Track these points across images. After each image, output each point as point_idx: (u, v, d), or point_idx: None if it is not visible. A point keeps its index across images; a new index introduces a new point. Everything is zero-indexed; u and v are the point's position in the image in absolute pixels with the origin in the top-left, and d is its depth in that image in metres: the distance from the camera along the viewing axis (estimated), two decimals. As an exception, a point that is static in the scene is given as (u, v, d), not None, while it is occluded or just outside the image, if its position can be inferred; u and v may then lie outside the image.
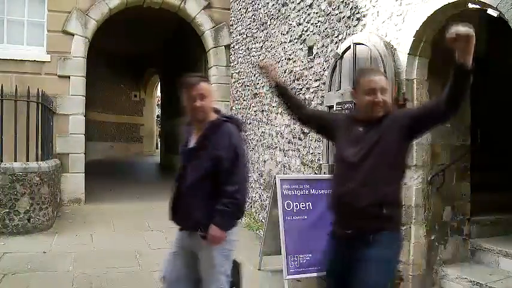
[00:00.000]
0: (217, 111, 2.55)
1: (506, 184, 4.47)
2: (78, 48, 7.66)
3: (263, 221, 5.50)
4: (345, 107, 4.21)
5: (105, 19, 8.05)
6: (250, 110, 7.26)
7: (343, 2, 4.70)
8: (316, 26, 5.27)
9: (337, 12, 4.83)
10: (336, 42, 4.79)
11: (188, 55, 11.32)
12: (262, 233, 5.01)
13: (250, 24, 7.42)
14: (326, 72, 4.86)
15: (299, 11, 5.71)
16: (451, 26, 1.80)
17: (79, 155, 7.67)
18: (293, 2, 5.88)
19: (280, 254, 4.01)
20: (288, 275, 3.88)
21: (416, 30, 3.66)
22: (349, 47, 4.20)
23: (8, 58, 7.26)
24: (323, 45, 5.10)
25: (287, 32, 6.03)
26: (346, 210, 2.18)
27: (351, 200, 2.13)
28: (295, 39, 5.81)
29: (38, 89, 6.21)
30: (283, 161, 6.00)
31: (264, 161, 6.65)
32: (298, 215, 4.09)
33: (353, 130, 2.25)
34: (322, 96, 4.90)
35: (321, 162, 4.83)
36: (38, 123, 6.16)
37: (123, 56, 16.76)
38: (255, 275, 4.38)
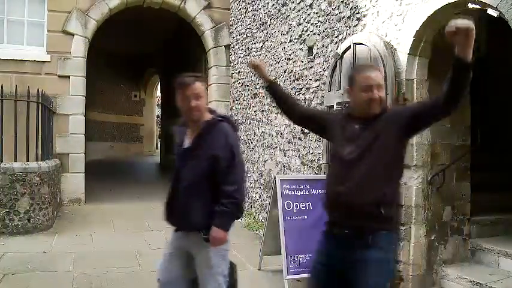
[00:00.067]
0: (211, 111, 2.54)
1: (506, 184, 4.47)
2: (78, 48, 7.66)
3: (263, 221, 5.49)
4: (345, 107, 4.21)
5: (105, 19, 8.05)
6: (250, 110, 7.26)
7: (343, 2, 4.70)
8: (316, 26, 5.27)
9: (337, 12, 4.83)
10: (336, 42, 4.79)
11: (188, 55, 11.32)
12: (262, 233, 5.01)
13: (250, 24, 7.42)
14: (326, 72, 4.86)
15: (299, 11, 5.71)
16: (450, 20, 1.78)
17: (79, 155, 7.67)
18: (293, 2, 5.88)
19: (280, 254, 4.02)
20: (288, 275, 3.88)
21: (417, 30, 3.66)
22: (349, 47, 4.21)
23: (8, 58, 7.25)
24: (323, 45, 5.10)
25: (287, 32, 6.03)
26: (344, 210, 2.12)
27: (349, 199, 2.09)
28: (295, 39, 5.81)
29: (38, 89, 6.21)
30: (283, 161, 6.00)
31: (264, 161, 6.65)
32: (298, 215, 4.09)
33: (349, 128, 2.21)
34: (322, 96, 4.90)
35: (321, 162, 4.83)
36: (38, 123, 6.15)
37: (123, 56, 16.75)
38: (255, 275, 4.38)
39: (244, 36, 7.64)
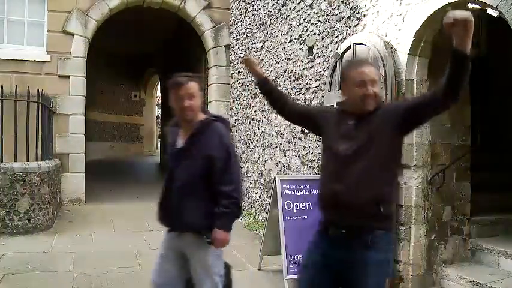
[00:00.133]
0: (204, 111, 2.53)
1: (506, 184, 4.47)
2: (78, 48, 7.66)
3: (263, 221, 5.50)
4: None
5: (105, 19, 8.05)
6: (250, 110, 7.26)
7: (343, 2, 4.70)
8: (316, 26, 5.27)
9: (337, 12, 4.83)
10: (336, 42, 4.79)
11: (188, 55, 11.31)
12: (262, 233, 5.01)
13: (250, 24, 7.42)
14: (326, 72, 4.86)
15: (299, 11, 5.71)
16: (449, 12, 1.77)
17: (79, 155, 7.67)
18: (293, 2, 5.88)
19: (280, 254, 4.02)
20: (288, 275, 3.88)
21: (417, 30, 3.66)
22: (349, 47, 4.21)
23: (8, 58, 7.25)
24: (323, 45, 5.10)
25: (287, 32, 6.03)
26: (342, 209, 2.04)
27: (347, 198, 2.02)
28: (295, 39, 5.81)
29: (38, 89, 6.21)
30: (283, 161, 6.00)
31: (264, 161, 6.65)
32: (298, 215, 4.09)
33: (343, 124, 2.14)
34: (322, 96, 4.90)
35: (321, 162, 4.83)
36: (38, 123, 6.15)
37: (123, 56, 16.75)
38: (255, 275, 4.38)
39: (244, 36, 7.64)
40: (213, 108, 8.42)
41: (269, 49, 6.60)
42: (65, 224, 6.21)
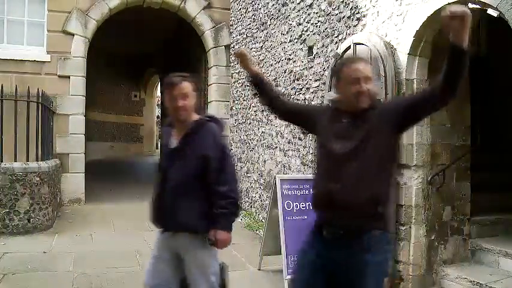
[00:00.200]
0: (198, 111, 2.52)
1: (506, 184, 4.47)
2: (78, 48, 7.66)
3: (263, 221, 5.49)
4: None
5: (105, 19, 8.04)
6: (250, 110, 7.26)
7: (343, 2, 4.70)
8: (316, 26, 5.27)
9: (337, 12, 4.83)
10: (336, 42, 4.79)
11: (188, 55, 11.31)
12: (262, 233, 5.01)
13: (250, 24, 7.42)
14: (326, 72, 4.86)
15: (299, 11, 5.71)
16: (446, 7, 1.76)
17: (79, 155, 7.67)
18: (293, 2, 5.88)
19: (280, 254, 4.02)
20: (288, 275, 3.87)
21: (417, 30, 3.67)
22: (349, 47, 4.20)
23: (8, 58, 7.25)
24: (323, 45, 5.10)
25: (287, 32, 6.03)
26: (339, 209, 1.99)
27: (345, 198, 1.97)
28: (295, 39, 5.81)
29: (38, 89, 6.21)
30: (283, 161, 6.00)
31: (264, 161, 6.65)
32: (298, 215, 4.09)
33: (338, 123, 2.10)
34: (322, 96, 4.90)
35: (321, 162, 4.82)
36: (38, 123, 6.15)
37: (123, 56, 16.74)
38: (255, 275, 4.38)
39: (244, 36, 7.64)
40: (213, 108, 8.42)
41: (269, 49, 6.60)
42: (65, 224, 6.21)
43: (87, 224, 6.30)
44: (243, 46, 7.68)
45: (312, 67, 5.34)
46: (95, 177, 9.16)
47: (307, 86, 5.42)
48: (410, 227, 3.74)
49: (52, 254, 4.80)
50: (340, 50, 4.38)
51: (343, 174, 2.00)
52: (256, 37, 7.10)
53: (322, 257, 2.07)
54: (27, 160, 5.82)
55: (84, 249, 5.02)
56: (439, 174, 3.84)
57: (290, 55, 5.91)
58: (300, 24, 5.69)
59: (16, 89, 5.92)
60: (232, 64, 8.30)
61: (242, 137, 7.63)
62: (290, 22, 5.95)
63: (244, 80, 7.60)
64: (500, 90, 5.32)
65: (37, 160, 5.98)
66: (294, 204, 4.11)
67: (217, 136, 2.44)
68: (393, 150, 2.12)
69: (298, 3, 5.75)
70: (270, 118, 6.49)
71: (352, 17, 4.53)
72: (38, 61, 7.44)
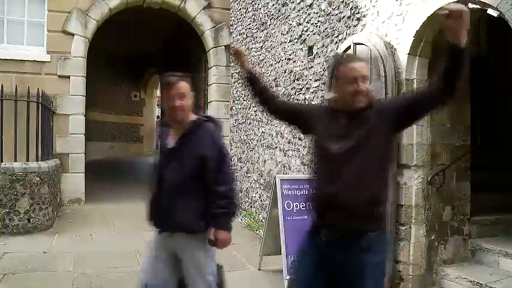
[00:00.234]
0: (195, 111, 2.51)
1: (506, 184, 4.47)
2: (78, 48, 7.66)
3: (263, 221, 5.49)
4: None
5: (105, 19, 8.04)
6: (250, 109, 7.26)
7: (343, 2, 4.70)
8: (316, 26, 5.27)
9: (337, 12, 4.83)
10: (336, 42, 4.79)
11: (188, 55, 11.31)
12: (262, 233, 5.01)
13: (250, 24, 7.42)
14: (326, 72, 4.86)
15: (299, 11, 5.71)
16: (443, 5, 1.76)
17: (79, 155, 7.67)
18: (293, 2, 5.88)
19: (280, 254, 4.02)
20: (288, 275, 3.87)
21: (417, 30, 3.67)
22: (349, 47, 4.21)
23: (8, 58, 7.25)
24: (323, 45, 5.10)
25: (287, 32, 6.03)
26: (339, 211, 1.97)
27: (344, 199, 1.95)
28: (295, 39, 5.81)
29: (38, 89, 6.21)
30: (283, 161, 6.00)
31: (264, 161, 6.65)
32: (298, 215, 4.09)
33: (335, 123, 2.07)
34: (322, 96, 4.90)
35: (321, 162, 4.82)
36: (38, 123, 6.15)
37: (123, 56, 16.74)
38: (255, 275, 4.38)
39: (244, 36, 7.64)
40: (213, 108, 8.42)
41: (269, 49, 6.60)
42: (65, 224, 6.21)
43: (87, 224, 6.30)
44: (243, 46, 7.67)
45: (312, 67, 5.34)
46: (95, 177, 9.16)
47: (307, 86, 5.42)
48: (410, 227, 3.74)
49: (52, 254, 4.80)
50: (340, 50, 4.38)
51: (341, 174, 1.97)
52: (256, 37, 7.10)
53: (321, 258, 2.05)
54: (27, 160, 5.82)
55: (84, 249, 5.02)
56: (439, 174, 3.84)
57: (290, 55, 5.91)
58: (300, 24, 5.69)
59: (16, 89, 5.92)
60: (232, 64, 8.29)
61: (242, 137, 7.63)
62: (290, 22, 5.95)
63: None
64: (500, 90, 5.32)
65: (37, 160, 5.98)
66: (294, 204, 4.11)
67: (214, 136, 2.44)
68: (391, 150, 2.11)
69: (298, 3, 5.75)
70: (270, 118, 6.49)
71: (352, 17, 4.53)
72: (38, 61, 7.43)
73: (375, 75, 3.85)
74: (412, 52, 3.75)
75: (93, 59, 8.91)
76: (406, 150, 3.75)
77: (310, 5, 5.42)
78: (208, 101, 8.71)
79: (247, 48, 7.48)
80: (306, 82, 5.46)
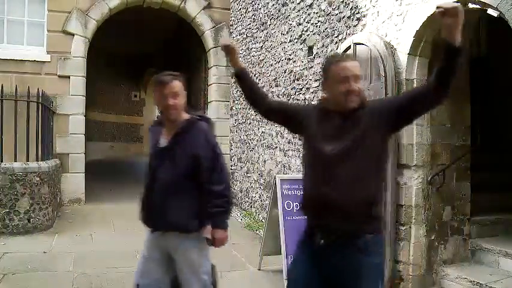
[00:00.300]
0: (188, 110, 2.50)
1: (506, 184, 4.48)
2: (78, 48, 7.66)
3: (263, 221, 5.50)
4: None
5: (105, 19, 8.04)
6: (250, 110, 7.26)
7: (343, 2, 4.70)
8: (316, 26, 5.27)
9: (337, 12, 4.83)
10: (336, 42, 4.79)
11: (188, 55, 11.32)
12: (262, 233, 5.01)
13: (250, 24, 7.42)
14: (326, 72, 4.85)
15: (299, 11, 5.71)
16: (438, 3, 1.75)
17: (79, 155, 7.67)
18: (293, 2, 5.88)
19: (280, 254, 4.02)
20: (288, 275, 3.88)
21: (417, 30, 3.66)
22: (349, 47, 4.20)
23: (8, 58, 7.25)
24: (323, 45, 5.10)
25: (287, 32, 6.03)
26: (334, 211, 1.92)
27: (339, 201, 1.91)
28: (295, 39, 5.81)
29: (38, 89, 6.21)
30: (283, 161, 6.00)
31: (264, 161, 6.65)
32: (298, 214, 4.08)
33: (328, 123, 2.02)
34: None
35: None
36: (38, 123, 6.15)
37: (123, 56, 16.74)
38: (255, 275, 4.38)
39: (244, 36, 7.64)
40: (213, 108, 8.43)
41: (269, 49, 6.60)
42: (65, 224, 6.21)
43: (87, 224, 6.30)
44: (243, 46, 7.68)
45: (312, 67, 5.34)
46: (95, 177, 9.16)
47: (307, 86, 5.42)
48: (410, 227, 3.74)
49: (52, 254, 4.80)
50: (340, 50, 4.38)
51: (336, 176, 1.93)
52: (256, 37, 7.10)
53: (317, 261, 2.01)
54: (27, 160, 5.82)
55: (84, 249, 5.02)
56: (439, 174, 3.84)
57: (290, 55, 5.91)
58: (300, 24, 5.69)
59: (16, 89, 5.92)
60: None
61: (242, 137, 7.63)
62: (290, 22, 5.95)
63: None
64: (500, 90, 5.32)
65: (37, 160, 5.98)
66: (294, 204, 4.11)
67: (208, 135, 2.44)
68: (385, 150, 2.08)
69: (298, 3, 5.75)
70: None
71: (352, 17, 4.53)
72: (38, 61, 7.43)
73: (375, 75, 3.85)
74: (412, 52, 3.75)
75: (93, 59, 8.91)
76: (406, 150, 3.75)
77: (310, 5, 5.42)
78: (208, 101, 8.71)
79: (247, 48, 7.48)
80: (306, 82, 5.46)
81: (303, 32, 5.59)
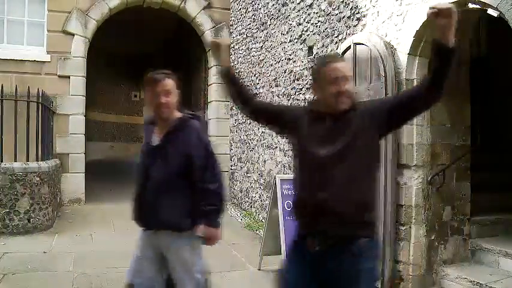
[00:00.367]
0: (180, 108, 2.48)
1: (506, 184, 4.47)
2: (78, 48, 7.66)
3: (263, 221, 5.49)
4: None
5: (105, 19, 8.05)
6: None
7: (343, 2, 4.70)
8: (316, 26, 5.27)
9: (337, 12, 4.83)
10: (336, 42, 4.79)
11: (188, 55, 11.32)
12: (262, 233, 5.01)
13: (250, 24, 7.42)
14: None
15: (299, 11, 5.71)
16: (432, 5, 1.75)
17: (79, 155, 7.67)
18: (293, 2, 5.88)
19: (280, 254, 4.02)
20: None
21: (417, 30, 3.66)
22: (349, 47, 4.20)
23: (8, 58, 7.25)
24: (323, 45, 5.10)
25: (287, 32, 6.03)
26: (331, 216, 1.88)
27: (337, 205, 1.87)
28: (295, 39, 5.81)
29: (38, 89, 6.21)
30: (283, 161, 5.99)
31: (264, 161, 6.65)
32: (298, 215, 4.09)
33: (319, 125, 1.97)
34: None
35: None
36: (38, 123, 6.15)
37: (123, 56, 16.75)
38: (255, 275, 4.38)
39: (244, 36, 7.64)
40: (213, 108, 8.43)
41: (269, 49, 6.60)
42: (65, 224, 6.21)
43: (87, 224, 6.30)
44: (243, 46, 7.68)
45: (312, 67, 5.34)
46: (95, 177, 9.16)
47: (307, 86, 5.42)
48: (410, 227, 3.74)
49: (52, 254, 4.80)
50: (340, 50, 4.38)
51: (331, 180, 1.89)
52: (256, 37, 7.10)
53: (312, 267, 1.97)
54: (27, 160, 5.82)
55: (84, 249, 5.02)
56: (439, 174, 3.84)
57: (290, 55, 5.91)
58: (300, 24, 5.69)
59: (16, 89, 5.92)
60: (232, 64, 8.29)
61: (242, 137, 7.63)
62: (290, 22, 5.95)
63: (244, 79, 7.61)
64: (500, 90, 5.32)
65: (37, 160, 5.98)
66: (294, 204, 4.10)
67: (200, 133, 2.43)
68: (377, 151, 2.06)
69: (298, 3, 5.75)
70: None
71: (352, 17, 4.53)
72: (38, 61, 7.44)
73: (375, 75, 3.85)
74: (412, 52, 3.75)
75: (93, 59, 8.91)
76: (406, 150, 3.75)
77: (310, 5, 5.42)
78: (208, 101, 8.71)
79: (247, 48, 7.48)
80: (306, 82, 5.46)
81: (303, 32, 5.59)
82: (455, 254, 3.98)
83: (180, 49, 12.35)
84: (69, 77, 7.57)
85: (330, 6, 4.96)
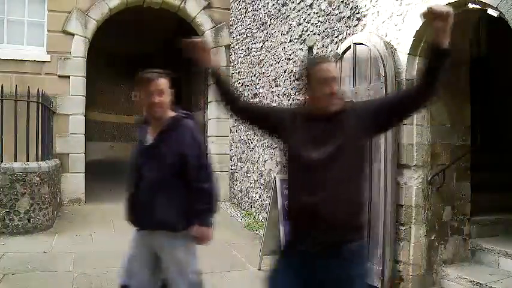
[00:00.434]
0: (174, 108, 2.47)
1: (506, 184, 4.47)
2: (78, 48, 7.66)
3: (263, 221, 5.50)
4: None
5: (105, 19, 8.04)
6: (250, 110, 7.25)
7: (343, 2, 4.70)
8: (316, 26, 5.27)
9: (337, 12, 4.83)
10: (336, 42, 4.79)
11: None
12: (262, 233, 5.01)
13: (250, 24, 7.42)
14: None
15: (299, 11, 5.71)
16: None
17: (79, 155, 7.67)
18: (293, 2, 5.88)
19: (280, 254, 4.01)
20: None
21: (417, 30, 3.66)
22: (349, 47, 4.20)
23: (8, 58, 7.24)
24: (323, 45, 5.10)
25: (287, 32, 6.03)
26: (319, 223, 1.84)
27: (326, 210, 1.83)
28: (295, 39, 5.81)
29: (38, 89, 6.20)
30: (283, 161, 5.99)
31: (264, 161, 6.65)
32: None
33: (309, 127, 1.95)
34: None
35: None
36: (38, 123, 6.15)
37: (123, 56, 16.72)
38: (255, 275, 4.38)
39: (244, 36, 7.64)
40: (213, 108, 8.43)
41: (269, 49, 6.60)
42: (65, 224, 6.21)
43: (87, 224, 6.30)
44: (243, 46, 7.68)
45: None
46: (95, 177, 9.16)
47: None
48: (410, 227, 3.74)
49: (52, 254, 4.80)
50: (340, 50, 4.38)
51: (322, 183, 1.86)
52: (256, 37, 7.10)
53: (301, 274, 1.94)
54: (27, 160, 5.82)
55: (84, 249, 5.02)
56: (439, 174, 3.84)
57: (290, 55, 5.91)
58: (300, 24, 5.69)
59: (16, 89, 5.92)
60: (232, 64, 8.30)
61: (242, 137, 7.63)
62: (290, 22, 5.95)
63: (244, 79, 7.61)
64: (500, 90, 5.32)
65: (37, 160, 5.98)
66: (294, 204, 4.10)
67: (194, 133, 2.42)
68: (366, 152, 2.07)
69: (298, 3, 5.75)
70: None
71: (352, 17, 4.53)
72: (38, 61, 7.43)
73: (375, 75, 3.85)
74: (412, 52, 3.75)
75: (93, 59, 8.90)
76: (406, 150, 3.75)
77: (310, 5, 5.42)
78: (208, 101, 8.70)
79: (247, 48, 7.48)
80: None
81: (303, 32, 5.59)
82: (455, 254, 3.98)
83: (180, 49, 12.34)
84: (69, 77, 7.57)
85: (330, 6, 4.96)
